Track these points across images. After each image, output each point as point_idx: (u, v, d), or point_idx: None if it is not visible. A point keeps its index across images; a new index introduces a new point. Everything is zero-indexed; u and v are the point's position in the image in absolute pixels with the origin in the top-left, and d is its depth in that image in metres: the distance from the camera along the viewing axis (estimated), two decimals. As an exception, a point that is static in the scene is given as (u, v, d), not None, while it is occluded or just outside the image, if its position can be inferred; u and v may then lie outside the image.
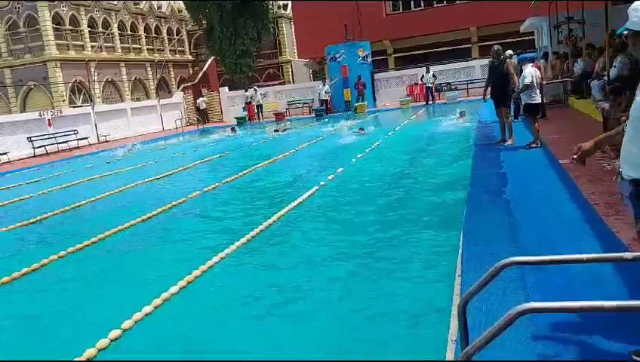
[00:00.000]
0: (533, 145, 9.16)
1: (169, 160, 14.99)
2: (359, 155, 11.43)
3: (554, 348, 2.92)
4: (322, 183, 8.73)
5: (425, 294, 4.05)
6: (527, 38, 27.41)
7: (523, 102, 9.91)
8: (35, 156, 19.90)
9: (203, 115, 29.55)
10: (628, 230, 4.37)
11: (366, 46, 27.15)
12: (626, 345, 2.78)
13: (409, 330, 3.57)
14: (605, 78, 10.67)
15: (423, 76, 25.12)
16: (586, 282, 3.51)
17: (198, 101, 30.24)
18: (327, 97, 26.28)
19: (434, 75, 24.70)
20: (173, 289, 4.62)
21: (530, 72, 9.19)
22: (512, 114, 11.89)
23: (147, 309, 4.26)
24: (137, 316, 4.15)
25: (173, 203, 8.38)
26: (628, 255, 2.28)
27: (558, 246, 4.31)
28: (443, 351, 3.11)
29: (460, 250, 4.68)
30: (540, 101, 9.64)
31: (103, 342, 3.75)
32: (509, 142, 9.96)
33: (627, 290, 3.40)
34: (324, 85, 26.41)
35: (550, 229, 4.87)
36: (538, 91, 9.38)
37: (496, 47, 10.20)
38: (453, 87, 26.04)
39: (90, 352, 3.63)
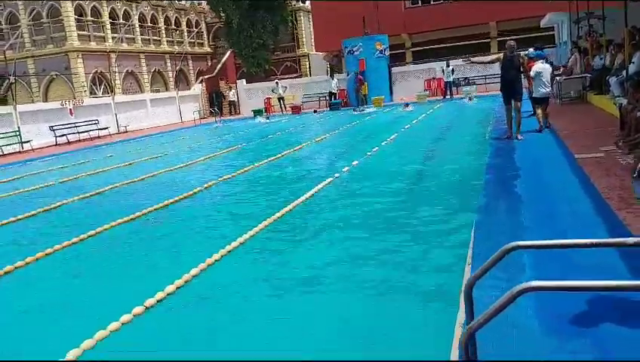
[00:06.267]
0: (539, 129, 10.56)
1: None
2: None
3: (556, 334, 3.00)
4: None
5: (434, 282, 4.13)
6: (546, 33, 27.11)
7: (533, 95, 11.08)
8: (56, 145, 20.29)
9: (232, 107, 31.21)
10: (640, 223, 4.41)
11: (384, 39, 27.03)
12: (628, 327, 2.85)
13: (418, 317, 3.64)
14: (624, 73, 10.60)
15: (443, 70, 24.85)
16: (591, 268, 3.58)
17: (229, 93, 31.46)
18: (337, 90, 27.13)
19: (452, 70, 24.50)
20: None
21: (537, 67, 10.57)
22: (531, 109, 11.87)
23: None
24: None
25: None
26: (630, 240, 2.35)
27: (570, 239, 4.35)
28: (451, 334, 3.19)
29: (472, 240, 4.75)
30: (540, 95, 10.74)
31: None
32: (519, 137, 10.09)
33: (631, 276, 3.48)
34: (332, 79, 27.45)
35: (563, 222, 4.91)
36: (542, 85, 10.62)
37: (511, 42, 10.35)
38: (471, 81, 25.81)
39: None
